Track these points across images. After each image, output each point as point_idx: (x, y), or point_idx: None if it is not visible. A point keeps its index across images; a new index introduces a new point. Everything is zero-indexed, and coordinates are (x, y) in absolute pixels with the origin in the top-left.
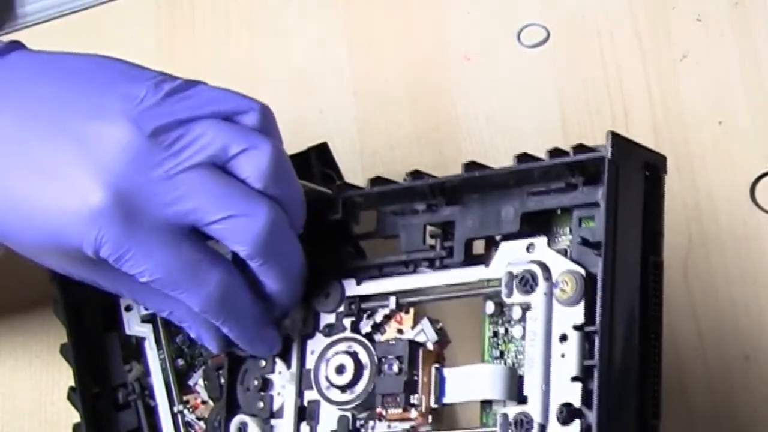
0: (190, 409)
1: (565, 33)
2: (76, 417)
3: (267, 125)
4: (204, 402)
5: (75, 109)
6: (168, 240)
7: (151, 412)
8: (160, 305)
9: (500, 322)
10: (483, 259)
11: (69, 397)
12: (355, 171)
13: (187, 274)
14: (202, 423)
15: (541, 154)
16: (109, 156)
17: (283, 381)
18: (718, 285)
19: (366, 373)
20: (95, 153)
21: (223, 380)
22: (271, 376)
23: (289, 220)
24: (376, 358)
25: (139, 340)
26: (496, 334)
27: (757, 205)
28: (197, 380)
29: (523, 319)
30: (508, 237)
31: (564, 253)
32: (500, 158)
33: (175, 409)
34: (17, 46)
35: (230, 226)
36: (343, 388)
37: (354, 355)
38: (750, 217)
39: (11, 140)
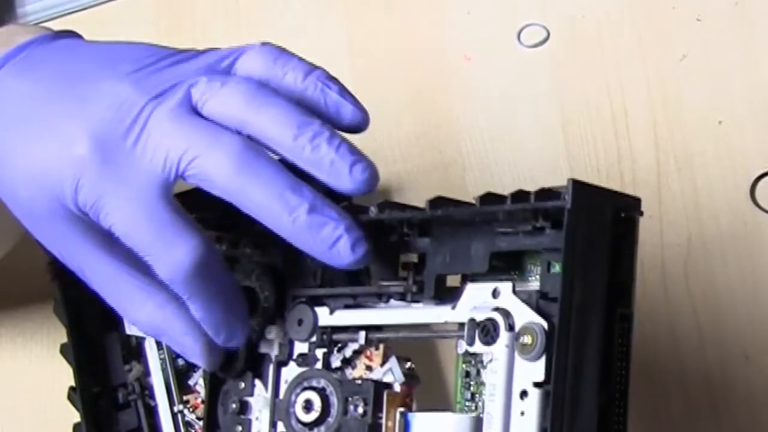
0: (190, 409)
1: (565, 33)
2: (76, 417)
3: (264, 63)
4: (204, 402)
5: (86, 76)
6: (143, 195)
7: (151, 412)
8: (133, 301)
9: (473, 362)
10: (454, 296)
11: (69, 397)
12: None
13: (158, 235)
14: (202, 423)
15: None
16: (99, 110)
17: (259, 406)
18: (718, 285)
19: (333, 412)
20: (89, 108)
21: None
22: (249, 399)
23: (272, 143)
24: (342, 397)
25: (139, 340)
26: (468, 374)
27: (757, 205)
28: (197, 380)
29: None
30: (477, 276)
31: (533, 296)
32: (500, 159)
33: (175, 409)
34: (70, 34)
35: (198, 164)
36: (310, 426)
37: (322, 392)
38: (750, 217)
39: (27, 104)
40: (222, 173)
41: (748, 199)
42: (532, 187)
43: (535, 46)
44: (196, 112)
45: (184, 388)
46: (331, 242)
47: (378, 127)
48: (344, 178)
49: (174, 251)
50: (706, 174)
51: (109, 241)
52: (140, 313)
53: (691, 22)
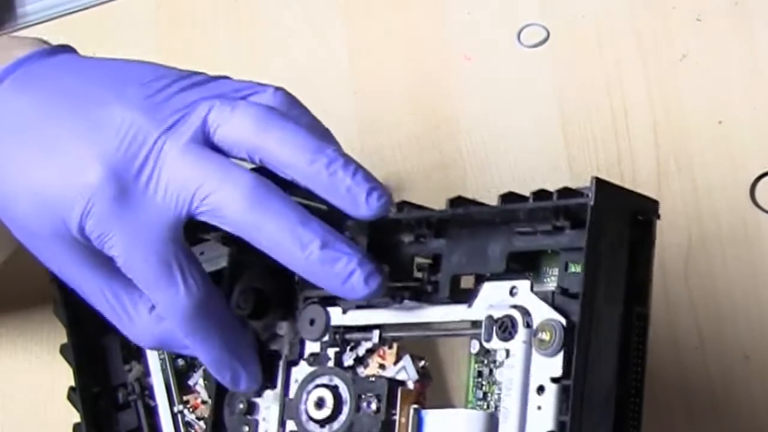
0: (190, 409)
1: (565, 33)
2: (76, 417)
3: (279, 105)
4: (204, 402)
5: (96, 98)
6: (151, 234)
7: (151, 412)
8: (132, 319)
9: (485, 362)
10: (469, 296)
11: (69, 397)
12: None
13: (160, 274)
14: (202, 423)
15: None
16: (110, 138)
17: (267, 404)
18: (718, 285)
19: (345, 409)
20: (100, 134)
21: None
22: (257, 400)
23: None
24: (355, 394)
25: None
26: (480, 374)
27: (757, 205)
28: (197, 380)
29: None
30: (493, 276)
31: (549, 296)
32: (500, 159)
33: (175, 409)
34: (66, 49)
35: (210, 201)
36: (322, 423)
37: (334, 389)
38: (750, 217)
39: (29, 120)
40: (235, 209)
41: (748, 199)
42: (532, 187)
43: (535, 46)
44: (207, 140)
45: (184, 388)
46: (345, 277)
47: (378, 127)
48: (361, 205)
49: (174, 291)
50: (706, 174)
51: (108, 265)
52: (140, 329)
53: (691, 22)
